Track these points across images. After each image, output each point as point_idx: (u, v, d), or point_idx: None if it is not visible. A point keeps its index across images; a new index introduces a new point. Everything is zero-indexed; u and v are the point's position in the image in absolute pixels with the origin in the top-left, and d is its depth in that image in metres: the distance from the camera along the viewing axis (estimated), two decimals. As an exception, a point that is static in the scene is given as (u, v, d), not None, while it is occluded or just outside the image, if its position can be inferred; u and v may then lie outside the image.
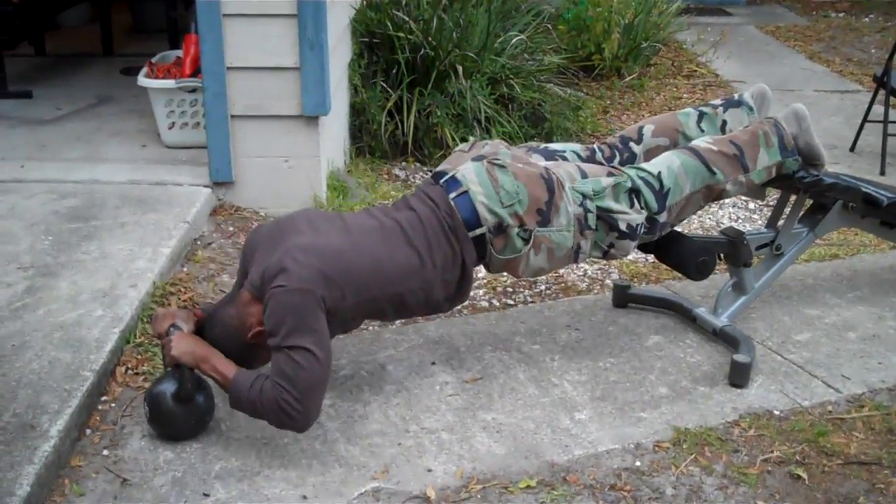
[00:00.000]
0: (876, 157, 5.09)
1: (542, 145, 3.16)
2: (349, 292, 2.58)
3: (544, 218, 2.77)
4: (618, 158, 3.14)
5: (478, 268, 2.90)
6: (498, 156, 2.86)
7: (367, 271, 2.61)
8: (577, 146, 3.17)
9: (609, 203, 2.86)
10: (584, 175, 2.90)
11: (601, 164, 3.08)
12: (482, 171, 2.79)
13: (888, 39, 7.90)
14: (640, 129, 3.22)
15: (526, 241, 2.76)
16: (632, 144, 3.18)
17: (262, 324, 2.56)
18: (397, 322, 3.30)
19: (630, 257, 3.83)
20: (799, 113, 3.16)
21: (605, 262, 3.81)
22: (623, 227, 2.87)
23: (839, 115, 6.00)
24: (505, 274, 3.64)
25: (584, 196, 2.84)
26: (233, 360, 2.61)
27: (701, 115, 3.24)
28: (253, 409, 2.51)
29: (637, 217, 2.89)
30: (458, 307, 3.22)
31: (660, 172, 2.96)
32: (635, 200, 2.90)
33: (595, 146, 3.18)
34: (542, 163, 2.95)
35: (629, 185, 2.90)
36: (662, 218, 2.97)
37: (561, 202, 2.79)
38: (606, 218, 2.86)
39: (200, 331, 2.71)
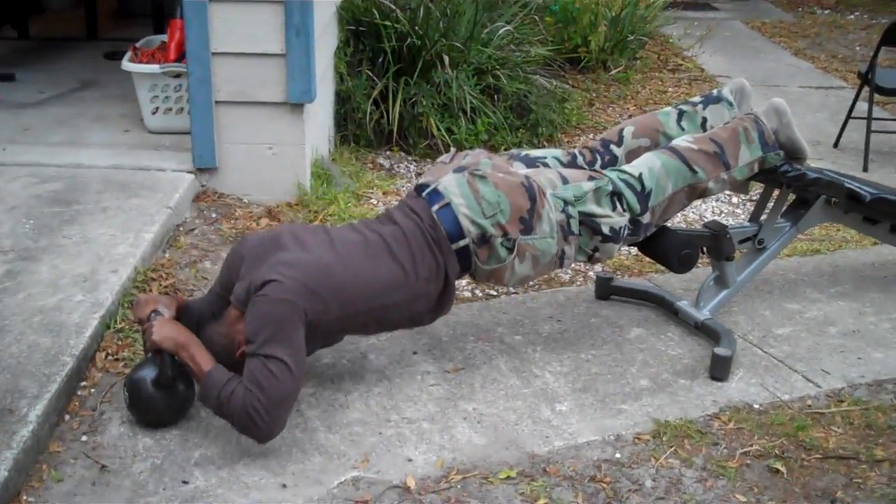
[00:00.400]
0: (859, 153, 5.11)
1: (524, 152, 3.16)
2: (333, 306, 2.58)
3: (527, 226, 2.78)
4: (599, 162, 3.15)
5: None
6: (479, 166, 2.87)
7: (351, 286, 2.62)
8: (557, 151, 3.18)
9: (591, 207, 2.87)
10: (565, 181, 2.91)
11: (582, 168, 3.09)
12: (463, 182, 2.80)
13: (872, 37, 7.93)
14: (621, 131, 3.22)
15: (510, 249, 2.77)
16: (612, 147, 3.19)
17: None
18: (380, 311, 3.29)
19: (613, 250, 3.84)
20: (778, 108, 3.17)
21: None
22: (606, 230, 2.88)
23: (823, 112, 6.02)
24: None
25: (566, 202, 2.85)
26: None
27: (681, 114, 3.24)
28: (220, 408, 2.50)
29: (620, 220, 2.90)
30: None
31: (641, 174, 2.97)
32: (617, 203, 2.91)
33: (576, 151, 3.19)
34: (523, 171, 2.96)
35: (610, 188, 2.91)
36: (646, 219, 2.98)
37: (543, 209, 2.80)
38: (589, 222, 2.87)
39: (181, 318, 2.70)
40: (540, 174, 2.93)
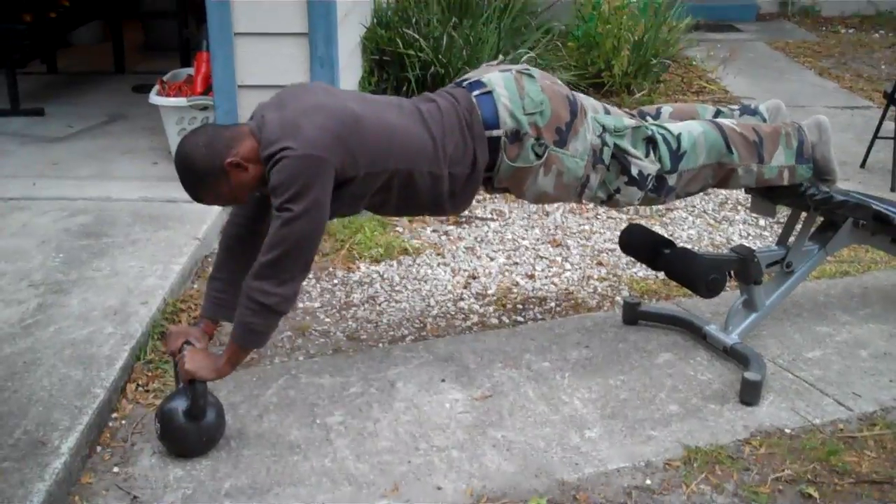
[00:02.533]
0: (886, 173, 5.08)
1: None
2: (362, 161, 2.56)
3: (562, 138, 2.77)
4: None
5: (486, 278, 2.89)
6: (528, 69, 2.87)
7: (383, 139, 2.59)
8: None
9: (626, 144, 2.87)
10: (607, 112, 2.92)
11: None
12: (510, 77, 2.80)
13: (898, 55, 7.90)
14: (659, 108, 3.25)
15: (539, 156, 2.76)
16: (648, 118, 3.19)
17: (246, 159, 2.53)
18: (407, 339, 3.30)
19: (640, 274, 3.83)
20: (822, 124, 3.18)
21: (614, 278, 3.80)
22: (634, 172, 2.88)
23: (849, 132, 5.99)
24: (514, 291, 3.64)
25: (605, 129, 2.85)
26: (193, 179, 2.60)
27: (718, 113, 3.26)
28: (255, 319, 2.53)
29: (650, 166, 2.90)
30: (465, 316, 3.21)
31: (679, 134, 2.97)
32: (651, 151, 2.91)
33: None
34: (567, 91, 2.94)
35: (649, 132, 2.91)
36: (672, 181, 2.97)
37: (581, 127, 2.80)
38: (621, 158, 2.87)
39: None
40: (585, 99, 2.92)
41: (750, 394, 2.93)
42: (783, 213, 3.68)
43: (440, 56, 4.87)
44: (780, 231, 3.49)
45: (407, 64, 4.86)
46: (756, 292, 3.22)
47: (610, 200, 2.96)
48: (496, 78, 2.80)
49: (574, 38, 6.48)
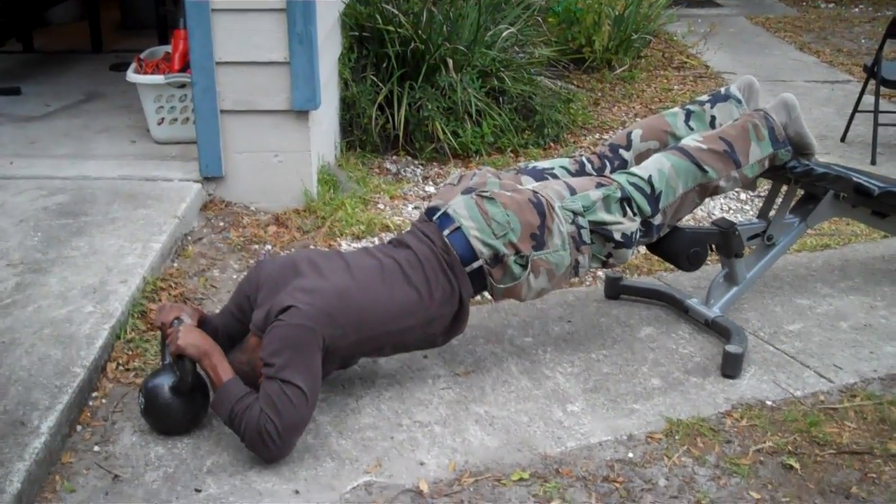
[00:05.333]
0: (867, 146, 5.10)
1: (531, 164, 3.17)
2: (351, 331, 2.60)
3: (539, 242, 2.79)
4: (609, 168, 3.15)
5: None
6: (486, 187, 2.89)
7: (368, 311, 2.63)
8: (565, 161, 3.18)
9: (601, 216, 2.87)
10: (572, 191, 2.91)
11: (591, 174, 3.08)
12: (472, 204, 2.82)
13: (878, 30, 7.91)
14: (629, 134, 3.22)
15: (524, 266, 2.78)
16: (622, 151, 3.19)
17: None
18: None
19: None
20: (788, 102, 3.16)
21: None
22: (618, 237, 2.88)
23: (830, 106, 6.01)
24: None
25: (575, 213, 2.85)
26: None
27: (689, 114, 3.24)
28: (231, 420, 2.51)
29: (631, 225, 2.90)
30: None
31: (650, 176, 2.96)
32: (627, 208, 2.91)
33: (584, 158, 3.19)
34: (531, 185, 2.97)
35: (619, 194, 2.91)
36: (657, 220, 2.98)
37: (553, 224, 2.81)
38: (600, 230, 2.87)
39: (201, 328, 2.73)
40: (547, 187, 2.93)
41: (731, 367, 2.94)
42: (764, 186, 3.68)
43: (420, 32, 4.83)
44: (760, 204, 3.49)
45: (387, 40, 4.82)
46: (737, 266, 3.22)
47: (606, 265, 2.98)
48: (460, 208, 2.82)
49: (554, 13, 6.46)
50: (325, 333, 2.54)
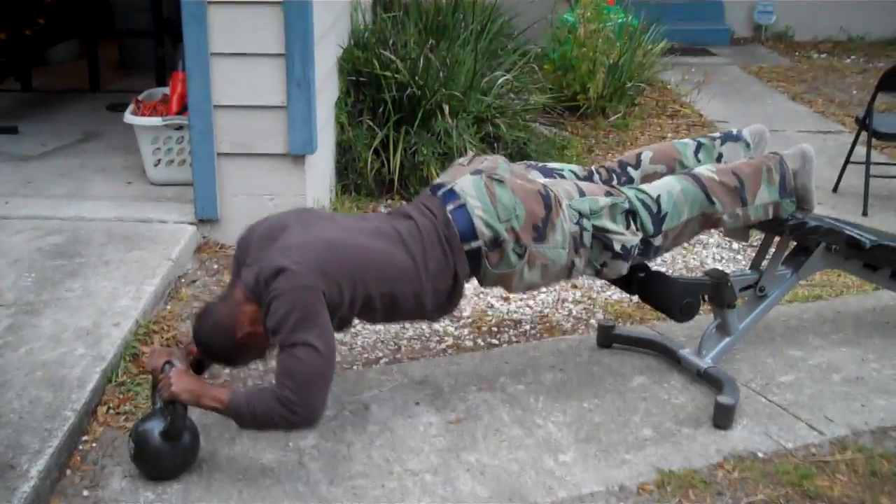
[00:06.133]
0: (858, 198, 5.13)
1: (541, 163, 3.17)
2: (345, 287, 2.58)
3: (540, 234, 2.78)
4: (616, 181, 3.16)
5: (464, 297, 2.90)
6: (497, 171, 2.88)
7: (362, 264, 2.62)
8: (575, 167, 3.19)
9: (605, 223, 2.88)
10: (581, 193, 2.91)
11: (597, 184, 3.10)
12: (480, 185, 2.81)
13: (869, 81, 7.98)
14: (639, 155, 3.24)
15: (521, 256, 2.78)
16: (630, 169, 3.20)
17: (252, 325, 2.58)
18: (382, 361, 3.29)
19: (615, 298, 3.85)
20: (806, 154, 3.18)
21: (588, 301, 3.81)
22: (618, 247, 2.89)
23: (822, 156, 6.04)
24: (489, 313, 3.64)
25: (581, 214, 2.86)
26: (221, 358, 2.71)
27: (699, 146, 3.26)
28: (255, 420, 2.52)
29: (632, 239, 2.91)
30: (444, 340, 3.20)
31: (659, 196, 2.98)
32: (631, 222, 2.92)
33: (593, 168, 3.20)
34: (541, 180, 2.96)
35: (626, 206, 2.92)
36: (657, 242, 2.99)
37: (557, 219, 2.81)
38: (602, 237, 2.87)
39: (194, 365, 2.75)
40: (557, 185, 2.93)
41: (723, 418, 2.94)
42: (756, 237, 3.70)
43: (417, 77, 4.88)
44: (753, 255, 3.51)
45: (384, 85, 4.86)
46: (729, 316, 3.23)
47: (599, 275, 2.99)
48: (468, 186, 2.82)
49: (550, 60, 6.52)
50: (325, 289, 2.53)
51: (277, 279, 2.51)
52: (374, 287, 2.65)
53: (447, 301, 2.83)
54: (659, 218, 2.96)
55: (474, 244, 2.77)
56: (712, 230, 3.83)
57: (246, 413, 2.52)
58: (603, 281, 3.79)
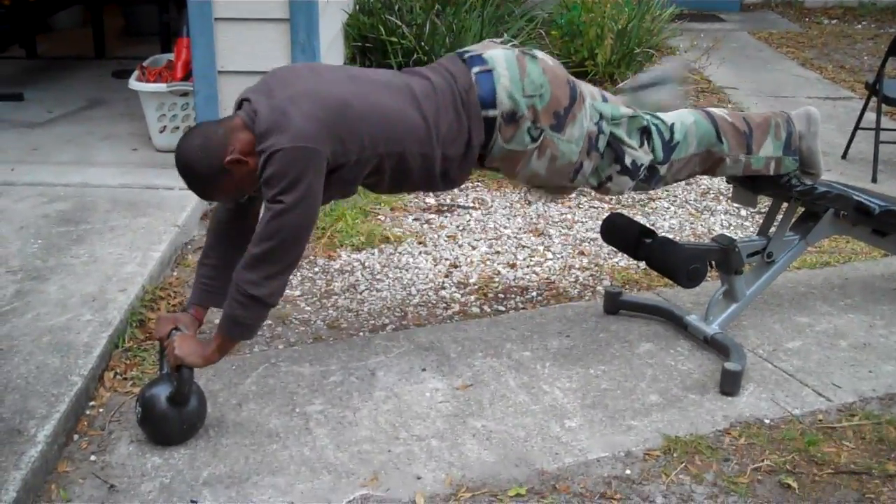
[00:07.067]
0: (868, 164, 5.10)
1: None
2: (352, 147, 2.53)
3: (559, 123, 2.74)
4: None
5: (468, 266, 2.88)
6: (532, 51, 2.84)
7: (373, 123, 2.56)
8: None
9: (622, 133, 2.86)
10: (604, 99, 2.89)
11: None
12: (512, 57, 2.75)
13: (880, 46, 7.93)
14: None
15: (534, 139, 2.73)
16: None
17: (242, 152, 2.50)
18: (388, 328, 3.29)
19: (621, 264, 3.83)
20: (812, 116, 3.18)
21: (595, 268, 3.80)
22: (628, 161, 2.87)
23: (831, 122, 6.01)
24: (496, 280, 3.64)
25: (602, 117, 2.83)
26: (198, 181, 2.57)
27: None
28: (244, 312, 2.53)
29: (643, 157, 2.89)
30: (450, 308, 3.20)
31: (673, 124, 2.97)
32: (645, 141, 2.91)
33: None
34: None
35: (644, 123, 2.90)
36: (663, 170, 2.97)
37: (579, 113, 2.77)
38: (615, 146, 2.85)
39: None
40: (584, 85, 2.89)
41: (730, 384, 2.93)
42: (764, 203, 3.68)
43: (423, 43, 4.85)
44: (761, 221, 3.49)
45: (389, 51, 4.84)
46: (737, 282, 3.22)
47: (601, 188, 2.94)
48: (498, 56, 2.75)
49: (557, 26, 6.47)
50: (328, 151, 2.48)
51: (280, 133, 2.44)
52: (383, 147, 2.58)
53: (458, 169, 2.75)
54: (670, 146, 2.95)
55: (491, 112, 2.68)
56: (720, 198, 3.80)
57: (233, 322, 2.53)
58: (610, 248, 3.80)
